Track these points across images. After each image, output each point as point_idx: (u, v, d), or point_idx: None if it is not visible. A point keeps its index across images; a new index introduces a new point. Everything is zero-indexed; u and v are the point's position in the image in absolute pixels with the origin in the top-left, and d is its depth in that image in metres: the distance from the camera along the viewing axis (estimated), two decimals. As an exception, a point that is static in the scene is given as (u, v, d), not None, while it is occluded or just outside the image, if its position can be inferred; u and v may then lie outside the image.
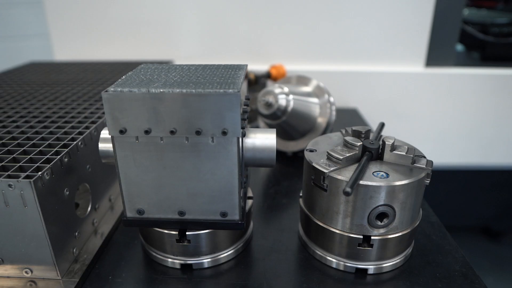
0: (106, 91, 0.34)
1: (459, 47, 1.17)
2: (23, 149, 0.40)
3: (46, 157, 0.39)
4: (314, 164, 0.40)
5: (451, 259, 0.44)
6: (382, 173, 0.39)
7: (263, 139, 0.40)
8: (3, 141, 0.43)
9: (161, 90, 0.34)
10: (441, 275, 0.41)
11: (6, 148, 0.41)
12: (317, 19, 0.91)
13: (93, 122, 0.48)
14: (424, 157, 0.42)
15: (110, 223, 0.48)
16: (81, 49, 0.96)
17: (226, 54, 0.95)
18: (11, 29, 1.44)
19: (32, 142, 0.42)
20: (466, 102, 0.95)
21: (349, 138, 0.42)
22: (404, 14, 0.89)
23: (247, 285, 0.40)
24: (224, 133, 0.35)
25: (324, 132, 0.64)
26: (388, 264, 0.42)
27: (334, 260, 0.43)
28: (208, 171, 0.37)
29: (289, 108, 0.60)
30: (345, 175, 0.39)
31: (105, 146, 0.40)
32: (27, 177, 0.35)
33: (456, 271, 0.42)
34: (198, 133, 0.35)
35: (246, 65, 0.44)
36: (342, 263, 0.42)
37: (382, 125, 0.48)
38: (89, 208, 0.45)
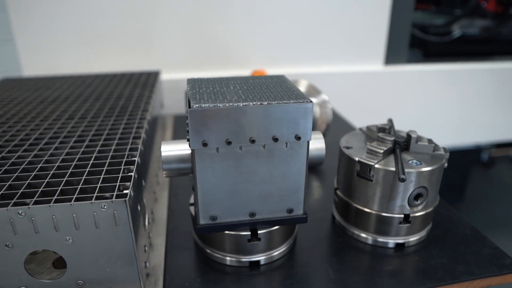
0: (191, 107, 0.37)
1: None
2: (87, 170, 0.40)
3: (119, 175, 0.39)
4: (359, 159, 0.46)
5: (460, 227, 0.53)
6: (415, 161, 0.46)
7: (314, 140, 0.45)
8: (57, 164, 0.42)
9: (244, 104, 0.37)
10: (459, 240, 0.50)
11: (68, 171, 0.40)
12: (286, 25, 0.98)
13: (135, 138, 0.48)
14: (438, 145, 0.50)
15: (160, 234, 0.50)
16: (56, 64, 0.90)
17: (210, 62, 0.97)
18: None
19: (91, 162, 0.42)
20: (417, 94, 1.10)
21: (381, 134, 0.49)
22: (366, 19, 0.99)
23: (312, 270, 0.45)
24: (298, 138, 0.39)
25: (326, 130, 0.71)
26: (415, 238, 0.50)
27: (370, 237, 0.50)
28: (280, 173, 0.41)
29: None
30: (387, 166, 0.45)
31: (170, 160, 0.42)
32: (116, 196, 0.36)
33: (468, 235, 0.52)
34: (275, 140, 0.39)
35: (284, 76, 0.48)
36: (380, 240, 0.49)
37: (391, 121, 0.56)
38: (146, 222, 0.46)
